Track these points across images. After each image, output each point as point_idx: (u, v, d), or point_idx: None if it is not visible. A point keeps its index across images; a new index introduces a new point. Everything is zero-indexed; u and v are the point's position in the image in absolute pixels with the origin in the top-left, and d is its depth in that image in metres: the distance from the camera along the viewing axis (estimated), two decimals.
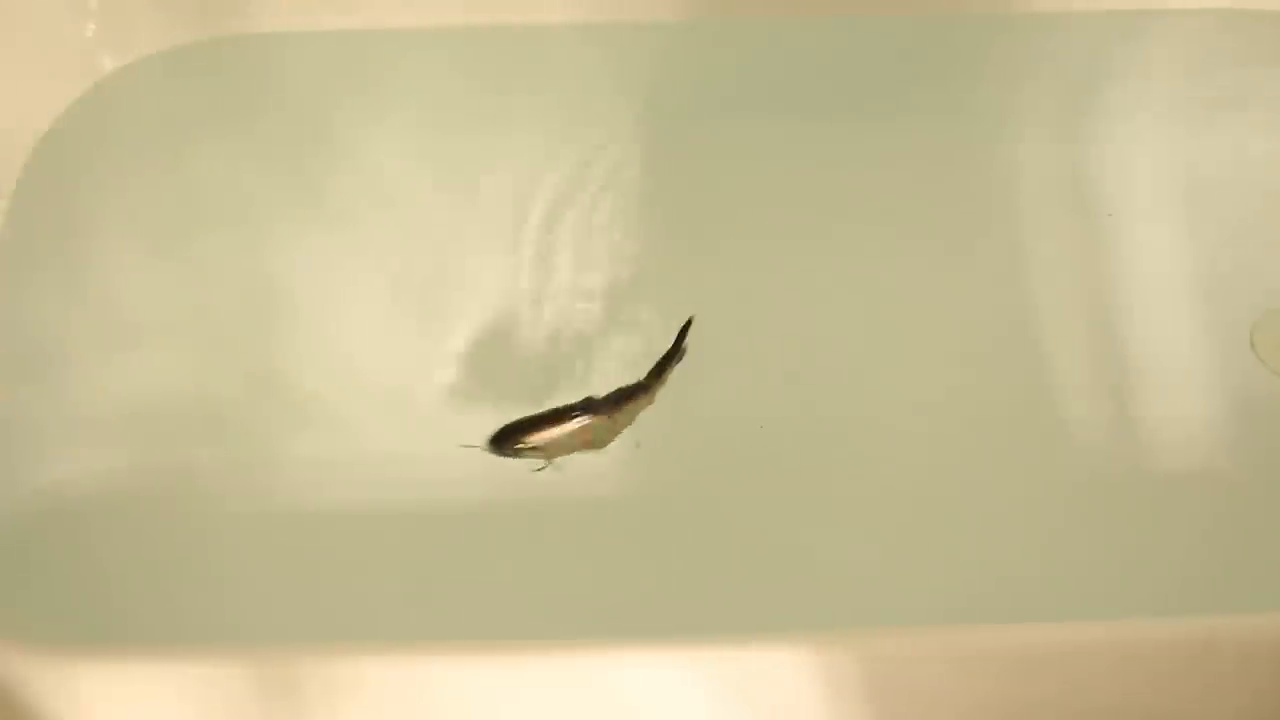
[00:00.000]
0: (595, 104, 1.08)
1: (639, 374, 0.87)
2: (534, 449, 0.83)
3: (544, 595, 0.87)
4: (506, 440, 0.83)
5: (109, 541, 0.90)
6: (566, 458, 0.85)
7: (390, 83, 1.10)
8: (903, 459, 0.92)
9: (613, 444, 0.86)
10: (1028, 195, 1.04)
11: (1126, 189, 1.04)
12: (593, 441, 0.85)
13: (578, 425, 0.84)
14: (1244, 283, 1.00)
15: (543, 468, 0.84)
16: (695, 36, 1.12)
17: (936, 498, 0.91)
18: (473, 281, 1.00)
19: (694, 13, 1.11)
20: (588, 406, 0.84)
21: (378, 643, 0.77)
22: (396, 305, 0.99)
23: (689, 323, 0.88)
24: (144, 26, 1.10)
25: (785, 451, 0.93)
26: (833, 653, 0.73)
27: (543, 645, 0.76)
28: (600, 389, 0.86)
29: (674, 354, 0.88)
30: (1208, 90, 1.10)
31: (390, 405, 0.95)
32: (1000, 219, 1.03)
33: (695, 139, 1.07)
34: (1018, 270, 1.00)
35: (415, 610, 0.86)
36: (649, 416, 0.87)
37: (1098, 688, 0.74)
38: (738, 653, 0.74)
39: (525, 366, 0.97)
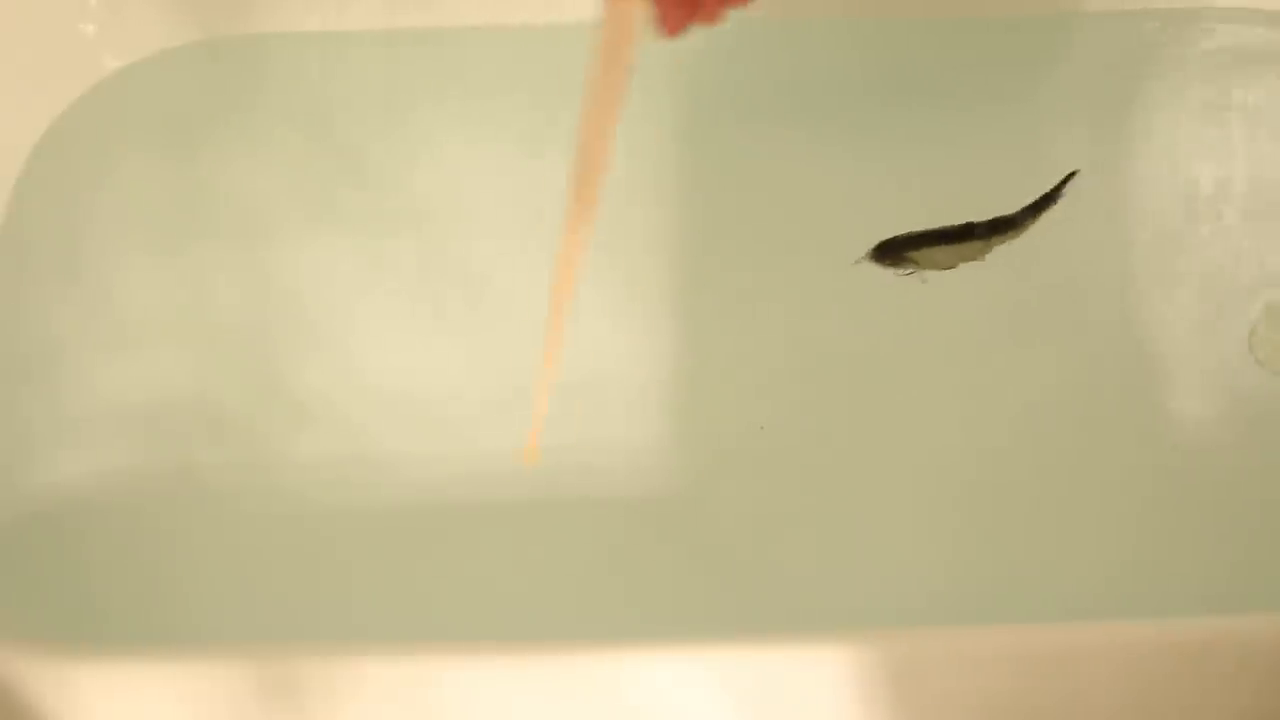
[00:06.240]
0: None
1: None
2: (913, 261, 0.93)
3: (545, 595, 0.87)
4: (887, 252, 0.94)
5: (110, 541, 0.90)
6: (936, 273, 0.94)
7: (399, 84, 1.09)
8: (903, 459, 0.92)
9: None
10: (1025, 197, 1.03)
11: (1125, 189, 1.04)
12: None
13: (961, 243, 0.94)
14: (1243, 282, 1.00)
15: (910, 272, 0.93)
16: (725, 38, 1.12)
17: (937, 498, 0.91)
18: (480, 281, 1.00)
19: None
20: (969, 230, 0.94)
21: (378, 643, 0.77)
22: (398, 305, 0.99)
23: (1071, 175, 0.98)
24: (145, 26, 1.10)
25: (785, 451, 0.93)
26: (832, 653, 0.73)
27: (545, 645, 0.76)
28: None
29: (1052, 197, 0.97)
30: (1206, 89, 1.10)
31: (392, 406, 0.95)
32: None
33: (705, 141, 1.07)
34: (1016, 270, 1.00)
35: (416, 610, 0.86)
36: (654, 399, 0.89)
37: (1096, 689, 0.74)
38: (736, 653, 0.74)
39: (533, 366, 0.96)
